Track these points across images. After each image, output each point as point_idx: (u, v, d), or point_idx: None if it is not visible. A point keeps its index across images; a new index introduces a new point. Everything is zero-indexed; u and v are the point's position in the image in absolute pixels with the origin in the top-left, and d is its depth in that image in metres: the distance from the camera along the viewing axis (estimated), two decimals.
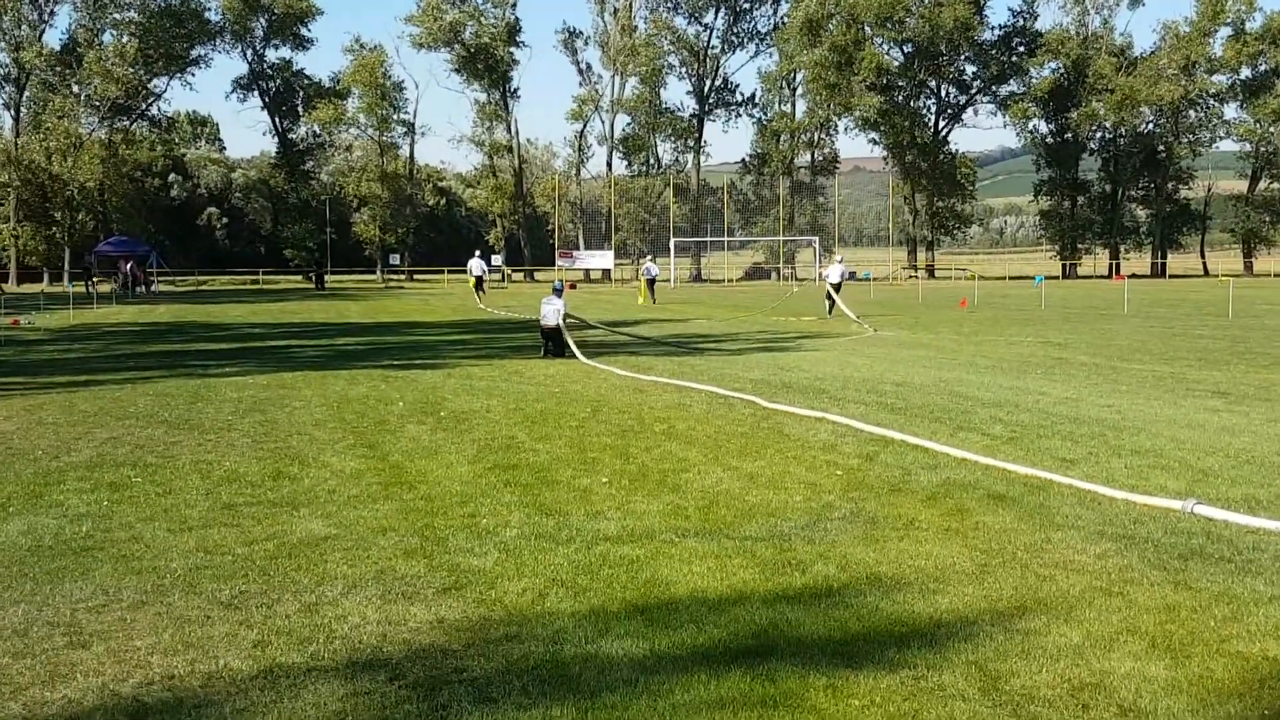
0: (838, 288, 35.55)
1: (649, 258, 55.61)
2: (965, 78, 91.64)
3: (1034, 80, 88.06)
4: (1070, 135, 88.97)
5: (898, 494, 8.72)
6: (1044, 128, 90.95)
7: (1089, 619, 5.82)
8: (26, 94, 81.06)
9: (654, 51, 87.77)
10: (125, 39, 78.59)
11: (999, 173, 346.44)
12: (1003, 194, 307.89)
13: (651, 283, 48.04)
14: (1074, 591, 6.28)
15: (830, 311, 34.20)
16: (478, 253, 51.47)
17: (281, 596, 6.27)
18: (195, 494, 8.88)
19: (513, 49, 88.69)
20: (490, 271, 50.65)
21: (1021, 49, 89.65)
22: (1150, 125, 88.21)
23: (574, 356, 20.22)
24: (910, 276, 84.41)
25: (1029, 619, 5.83)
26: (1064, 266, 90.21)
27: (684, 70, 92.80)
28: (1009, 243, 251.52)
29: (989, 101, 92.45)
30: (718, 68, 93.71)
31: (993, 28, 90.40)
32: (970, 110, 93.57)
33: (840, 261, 39.43)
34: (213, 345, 24.96)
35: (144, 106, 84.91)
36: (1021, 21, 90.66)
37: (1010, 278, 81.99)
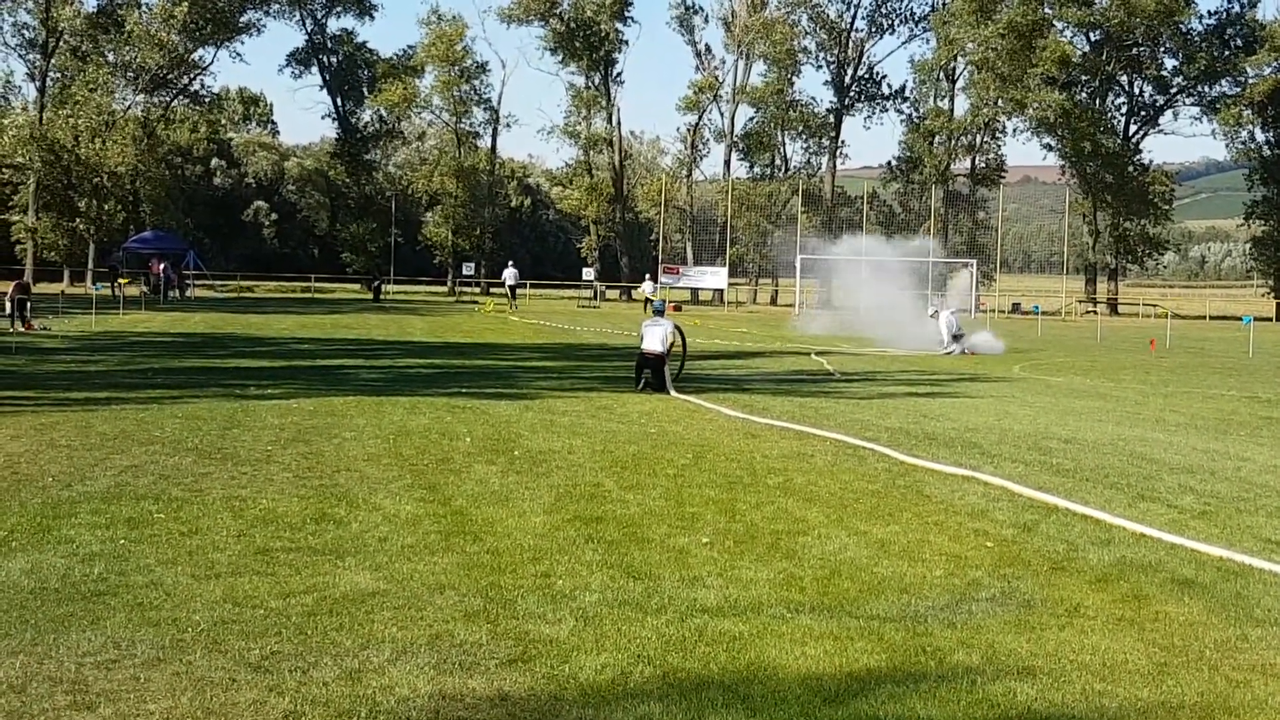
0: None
1: (648, 280, 69.53)
2: (1165, 74, 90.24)
3: (1251, 81, 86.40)
4: None
5: (1060, 573, 8.62)
6: (1260, 137, 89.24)
7: None
8: (53, 62, 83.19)
9: (788, 31, 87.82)
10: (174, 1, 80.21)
11: (1201, 190, 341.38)
12: (1205, 216, 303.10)
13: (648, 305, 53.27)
14: (1274, 701, 6.16)
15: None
16: (511, 263, 67.93)
17: (319, 660, 6.38)
18: (225, 535, 9.06)
19: (619, 25, 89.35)
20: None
21: (1238, 43, 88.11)
22: None
23: (668, 392, 20.38)
24: (1088, 311, 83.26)
25: None
26: (1279, 306, 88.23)
27: (821, 56, 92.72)
28: (1211, 274, 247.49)
29: (1193, 104, 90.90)
30: (862, 54, 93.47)
31: (1202, 15, 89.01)
32: (1169, 114, 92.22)
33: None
34: (254, 362, 25.46)
35: (187, 80, 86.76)
36: (1238, 8, 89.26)
37: (1211, 317, 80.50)
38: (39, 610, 7.07)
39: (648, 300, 54.38)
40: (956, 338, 34.61)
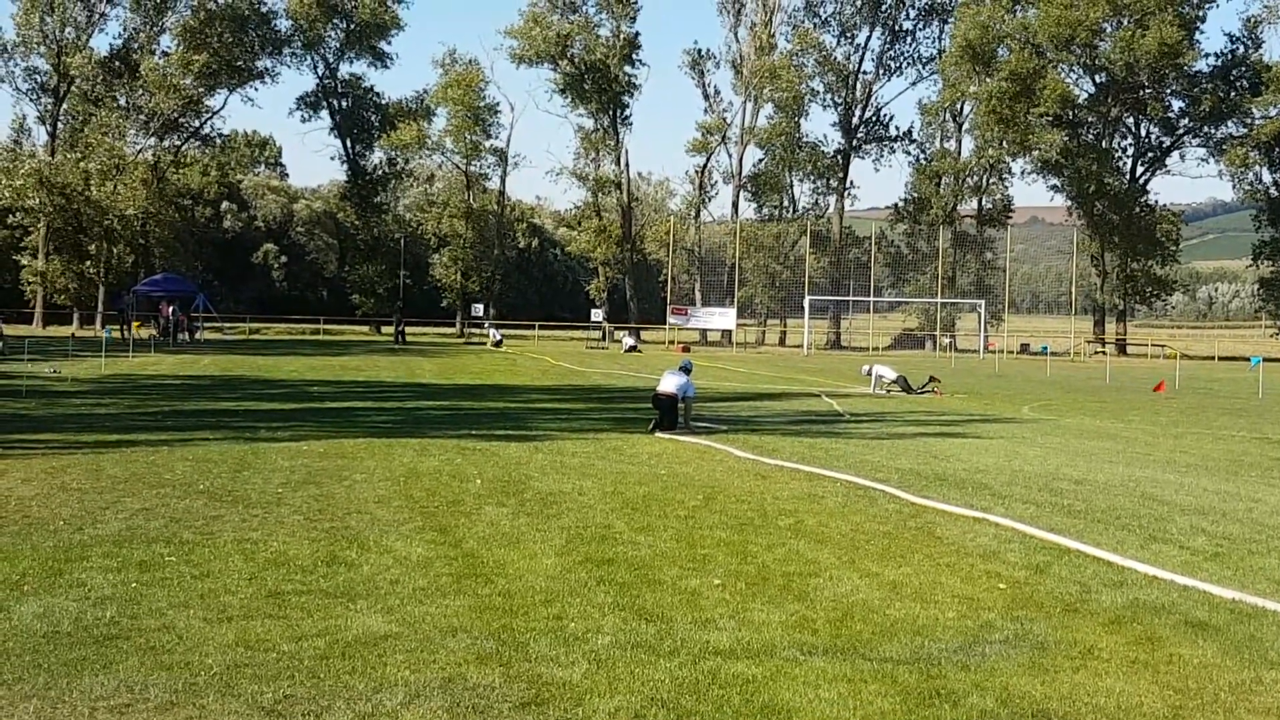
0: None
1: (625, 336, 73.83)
2: (1171, 115, 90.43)
3: (1258, 122, 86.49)
4: None
5: (1073, 615, 8.59)
6: (1267, 178, 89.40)
7: None
8: (64, 106, 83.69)
9: (796, 74, 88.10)
10: (185, 48, 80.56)
11: (1209, 230, 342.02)
12: (1212, 256, 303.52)
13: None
14: None
15: None
16: (491, 322, 76.91)
17: (332, 704, 6.37)
18: (237, 578, 9.06)
19: (629, 68, 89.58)
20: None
21: (1243, 84, 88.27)
22: None
23: (676, 431, 20.53)
24: (1097, 352, 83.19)
25: None
26: None
27: (829, 97, 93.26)
28: (1219, 315, 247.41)
29: (1199, 144, 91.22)
30: (869, 96, 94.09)
31: (1207, 55, 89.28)
32: (1176, 154, 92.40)
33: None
34: (264, 404, 25.50)
35: (198, 124, 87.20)
36: (1242, 50, 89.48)
37: (1220, 358, 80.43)
38: (51, 654, 7.07)
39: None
40: (896, 381, 35.41)
